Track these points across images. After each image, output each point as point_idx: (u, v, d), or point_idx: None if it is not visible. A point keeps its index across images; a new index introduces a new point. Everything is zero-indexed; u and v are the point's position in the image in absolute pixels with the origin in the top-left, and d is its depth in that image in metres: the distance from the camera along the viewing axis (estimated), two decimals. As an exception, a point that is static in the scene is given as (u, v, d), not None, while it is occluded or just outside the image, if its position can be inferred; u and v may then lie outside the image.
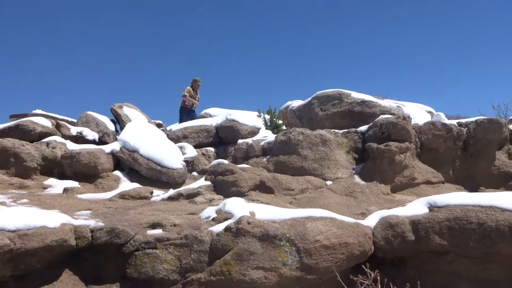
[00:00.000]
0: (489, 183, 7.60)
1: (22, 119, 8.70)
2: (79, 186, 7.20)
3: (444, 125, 7.72)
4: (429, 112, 10.44)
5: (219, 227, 4.88)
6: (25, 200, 6.11)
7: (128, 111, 10.35)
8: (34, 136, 8.23)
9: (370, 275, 3.50)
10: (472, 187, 7.52)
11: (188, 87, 12.81)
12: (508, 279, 4.82)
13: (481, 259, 4.90)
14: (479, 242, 4.78)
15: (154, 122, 10.78)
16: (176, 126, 10.64)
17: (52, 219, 4.62)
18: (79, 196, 6.80)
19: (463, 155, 7.81)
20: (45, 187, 7.16)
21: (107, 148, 8.05)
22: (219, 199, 6.37)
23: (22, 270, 4.33)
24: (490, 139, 7.71)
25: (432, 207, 5.24)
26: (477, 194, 5.81)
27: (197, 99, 12.80)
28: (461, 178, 7.76)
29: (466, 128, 7.79)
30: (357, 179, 7.25)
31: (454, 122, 8.02)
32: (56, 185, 7.20)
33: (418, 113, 9.77)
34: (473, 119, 8.01)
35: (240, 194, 6.54)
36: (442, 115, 8.22)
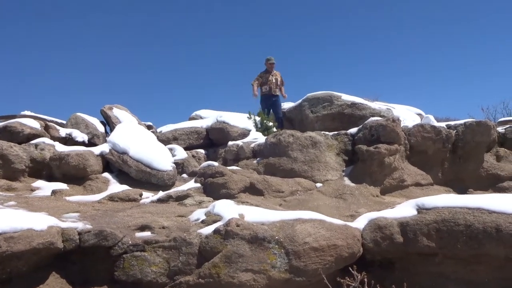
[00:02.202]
0: (478, 185, 7.66)
1: (10, 120, 8.62)
2: (68, 188, 7.15)
3: (433, 127, 7.77)
4: (419, 114, 10.53)
5: (208, 230, 4.87)
6: (12, 203, 6.05)
7: (118, 112, 10.29)
8: (22, 137, 8.16)
9: (357, 277, 3.51)
10: (461, 189, 7.58)
11: (262, 72, 11.13)
12: (496, 281, 4.86)
13: (469, 260, 4.93)
14: (466, 244, 4.81)
15: (144, 124, 10.71)
16: (166, 128, 10.60)
17: (39, 221, 4.57)
18: (67, 198, 6.75)
19: (452, 157, 7.87)
20: (33, 189, 7.10)
21: (97, 150, 8.01)
22: (209, 201, 6.36)
23: (8, 273, 4.29)
24: (479, 141, 7.76)
25: (420, 209, 5.28)
26: (465, 196, 5.86)
27: (273, 81, 10.83)
28: (450, 180, 7.81)
29: (455, 131, 7.85)
30: (346, 181, 7.27)
31: (443, 124, 8.08)
32: (44, 187, 7.15)
33: (408, 116, 9.86)
34: (462, 121, 8.08)
35: (230, 196, 6.53)
36: (431, 117, 8.28)
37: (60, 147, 8.04)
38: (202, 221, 5.25)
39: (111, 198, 6.78)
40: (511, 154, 8.00)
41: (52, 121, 9.39)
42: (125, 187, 7.34)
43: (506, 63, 49.86)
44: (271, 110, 10.82)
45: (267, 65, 10.98)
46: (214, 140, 10.11)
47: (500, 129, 8.36)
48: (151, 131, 10.07)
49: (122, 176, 7.82)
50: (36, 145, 7.85)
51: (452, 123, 8.25)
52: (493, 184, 7.64)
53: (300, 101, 10.43)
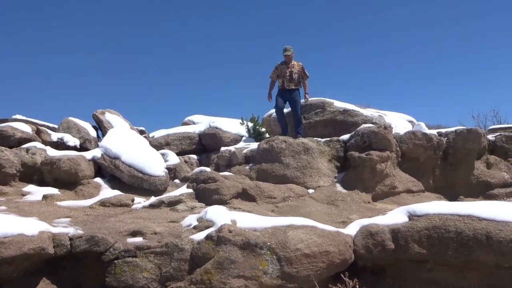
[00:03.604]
0: (468, 192, 7.71)
1: (1, 124, 8.55)
2: (59, 193, 7.11)
3: (425, 134, 7.83)
4: (410, 121, 10.57)
5: (200, 235, 4.87)
6: (3, 208, 6.02)
7: (110, 117, 10.26)
8: (13, 142, 8.10)
9: (349, 283, 3.52)
10: (452, 196, 7.63)
11: (279, 63, 9.41)
12: (486, 287, 4.89)
13: (460, 267, 4.97)
14: (457, 251, 4.85)
15: (137, 129, 10.68)
16: (158, 133, 10.59)
17: (30, 226, 4.56)
18: (58, 203, 6.72)
19: (443, 165, 7.92)
20: (24, 194, 7.06)
21: (88, 154, 7.97)
22: (201, 207, 6.36)
23: (-2, 279, 4.26)
24: (469, 149, 7.83)
25: (411, 216, 5.31)
26: (456, 203, 5.90)
27: (287, 74, 9.15)
28: (441, 187, 7.87)
29: (446, 138, 7.91)
30: (338, 187, 7.30)
31: (434, 132, 8.14)
32: (35, 192, 7.11)
33: (399, 123, 9.89)
34: (453, 129, 8.14)
35: (222, 202, 6.53)
36: (422, 124, 8.33)
37: (52, 152, 7.99)
38: (194, 227, 5.24)
39: (103, 203, 6.76)
40: (501, 162, 8.07)
41: (43, 126, 9.33)
42: (117, 192, 7.32)
43: (496, 71, 50.38)
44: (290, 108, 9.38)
45: (284, 56, 9.32)
46: (206, 146, 10.12)
47: (491, 136, 8.43)
48: (144, 136, 10.04)
49: (114, 181, 7.79)
50: (27, 150, 7.80)
51: (443, 130, 8.31)
52: (484, 191, 7.70)
53: (292, 107, 10.43)
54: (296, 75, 9.16)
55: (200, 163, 9.40)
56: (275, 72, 9.33)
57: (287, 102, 9.25)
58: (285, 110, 9.45)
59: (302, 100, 9.29)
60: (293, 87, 9.13)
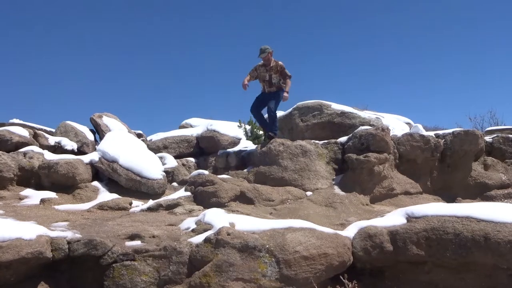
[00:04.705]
0: (466, 194, 7.72)
1: (-1, 128, 8.54)
2: (57, 197, 7.09)
3: (422, 136, 7.84)
4: (408, 123, 10.62)
5: (198, 238, 4.86)
6: (0, 212, 6.00)
7: (107, 120, 10.25)
8: (11, 146, 8.09)
9: (348, 285, 3.52)
10: (449, 198, 7.64)
11: (258, 64, 8.62)
12: (484, 289, 4.90)
13: (458, 269, 4.98)
14: (455, 252, 4.86)
15: (134, 132, 10.67)
16: (156, 136, 10.58)
17: (28, 230, 4.54)
18: (56, 207, 6.70)
19: (440, 166, 7.93)
20: (21, 198, 7.03)
21: (86, 158, 7.96)
22: (199, 210, 6.34)
23: (-5, 283, 4.25)
24: (467, 150, 7.84)
25: (409, 218, 5.32)
26: (454, 204, 5.90)
27: (266, 78, 8.49)
28: (438, 188, 7.87)
29: (443, 140, 7.92)
30: (336, 189, 7.29)
31: (431, 133, 8.15)
32: (32, 196, 7.08)
33: (397, 125, 9.93)
34: (450, 130, 8.16)
35: (220, 205, 6.52)
36: (420, 126, 8.34)
37: (49, 156, 7.97)
38: (193, 230, 5.24)
39: (101, 206, 6.74)
40: (498, 163, 8.09)
41: (41, 129, 9.32)
42: (114, 195, 7.30)
43: (493, 72, 50.63)
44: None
45: (262, 58, 8.53)
46: (204, 149, 10.10)
47: (488, 138, 8.45)
48: (141, 140, 10.04)
49: (112, 184, 7.77)
50: (24, 154, 7.78)
51: (440, 132, 8.33)
52: (481, 192, 7.70)
53: (290, 110, 10.46)
54: (275, 79, 8.49)
55: (198, 166, 9.39)
56: (254, 72, 8.57)
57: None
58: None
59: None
60: (275, 90, 8.52)
